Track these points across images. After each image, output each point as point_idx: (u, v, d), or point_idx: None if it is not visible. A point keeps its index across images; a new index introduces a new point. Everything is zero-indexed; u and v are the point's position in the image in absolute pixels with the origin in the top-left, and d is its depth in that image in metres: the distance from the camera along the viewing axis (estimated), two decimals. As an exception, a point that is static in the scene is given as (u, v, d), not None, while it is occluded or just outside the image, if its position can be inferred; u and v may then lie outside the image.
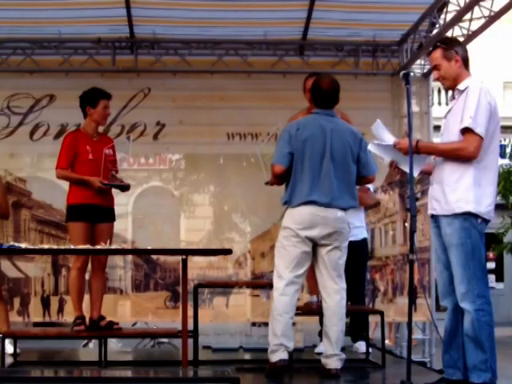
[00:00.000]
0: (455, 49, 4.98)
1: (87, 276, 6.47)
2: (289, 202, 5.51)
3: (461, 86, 4.92)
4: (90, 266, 6.43)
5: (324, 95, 5.62)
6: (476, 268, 4.77)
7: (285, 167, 5.49)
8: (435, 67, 5.02)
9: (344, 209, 5.53)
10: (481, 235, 4.83)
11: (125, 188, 6.60)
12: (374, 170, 5.71)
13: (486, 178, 4.85)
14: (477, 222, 4.80)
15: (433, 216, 5.01)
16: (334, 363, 5.49)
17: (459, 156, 4.82)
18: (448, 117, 5.02)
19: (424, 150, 4.98)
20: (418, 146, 4.92)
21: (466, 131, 4.79)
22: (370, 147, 5.25)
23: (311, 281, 6.30)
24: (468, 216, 4.79)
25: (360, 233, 7.21)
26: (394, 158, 5.13)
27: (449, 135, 4.95)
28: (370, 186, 7.32)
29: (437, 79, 5.08)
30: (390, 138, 5.13)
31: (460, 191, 4.82)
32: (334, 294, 5.50)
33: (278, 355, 5.41)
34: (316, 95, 5.66)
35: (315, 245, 5.51)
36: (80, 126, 6.77)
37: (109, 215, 6.47)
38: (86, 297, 6.50)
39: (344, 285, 5.57)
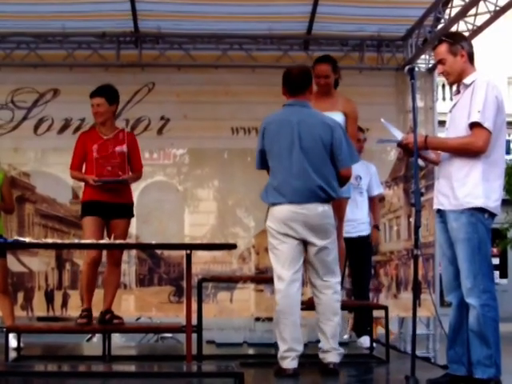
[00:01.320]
0: (461, 44, 4.94)
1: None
2: (267, 201, 5.41)
3: (467, 80, 4.89)
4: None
5: (293, 81, 5.46)
6: (482, 263, 4.75)
7: (258, 167, 5.55)
8: (440, 61, 4.98)
9: (325, 201, 5.36)
10: (487, 230, 4.81)
11: (121, 182, 6.45)
12: (347, 164, 5.46)
13: (494, 173, 4.82)
14: (484, 216, 4.78)
15: (439, 211, 4.99)
16: (331, 357, 5.35)
17: (468, 151, 4.79)
18: (453, 111, 4.99)
19: (432, 146, 4.96)
20: (427, 142, 4.90)
21: (474, 126, 4.75)
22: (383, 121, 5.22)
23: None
24: (475, 211, 4.76)
25: (365, 228, 7.21)
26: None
27: (455, 129, 4.92)
28: (377, 190, 7.31)
29: (441, 73, 5.05)
30: (397, 134, 5.12)
31: (469, 186, 4.79)
32: (324, 289, 5.36)
33: (287, 363, 5.23)
34: (286, 82, 5.51)
35: (303, 241, 5.35)
36: (85, 121, 6.78)
37: (122, 211, 6.45)
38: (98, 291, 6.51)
39: (336, 279, 5.42)
